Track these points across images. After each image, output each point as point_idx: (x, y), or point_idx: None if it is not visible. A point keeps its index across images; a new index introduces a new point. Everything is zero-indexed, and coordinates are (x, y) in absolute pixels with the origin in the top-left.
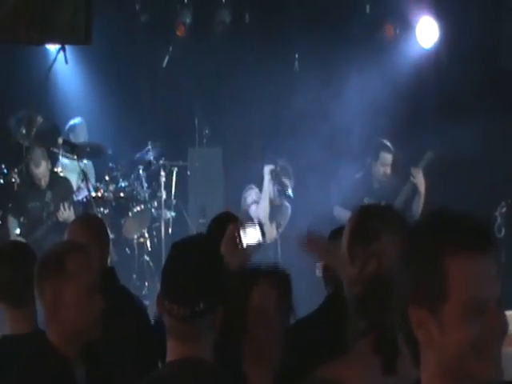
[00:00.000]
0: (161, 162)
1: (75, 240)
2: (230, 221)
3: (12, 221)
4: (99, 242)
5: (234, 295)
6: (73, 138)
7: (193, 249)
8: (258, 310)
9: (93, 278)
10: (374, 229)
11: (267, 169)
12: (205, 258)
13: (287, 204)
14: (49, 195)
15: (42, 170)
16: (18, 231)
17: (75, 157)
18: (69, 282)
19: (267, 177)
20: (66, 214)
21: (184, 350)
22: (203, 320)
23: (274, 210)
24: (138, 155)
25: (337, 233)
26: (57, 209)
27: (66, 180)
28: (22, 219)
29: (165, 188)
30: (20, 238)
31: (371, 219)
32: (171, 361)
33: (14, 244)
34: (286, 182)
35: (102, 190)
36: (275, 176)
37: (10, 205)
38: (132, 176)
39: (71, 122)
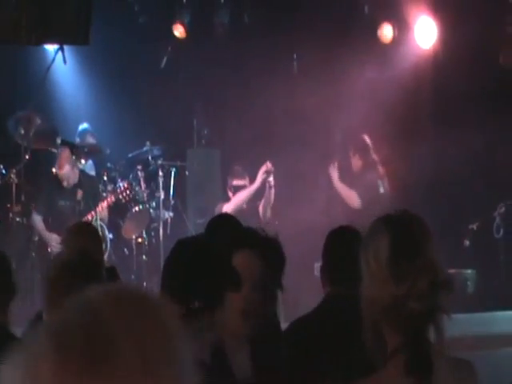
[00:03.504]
0: (159, 162)
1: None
2: (228, 222)
3: (38, 219)
4: (94, 247)
5: (220, 255)
6: (80, 143)
7: (195, 248)
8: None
9: None
10: (422, 236)
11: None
12: (205, 259)
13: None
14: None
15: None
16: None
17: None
18: None
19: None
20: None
21: None
22: (199, 319)
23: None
24: (131, 154)
25: (336, 234)
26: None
27: (93, 178)
28: (49, 218)
29: (163, 188)
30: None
31: (411, 229)
32: None
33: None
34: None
35: (100, 190)
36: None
37: (36, 203)
38: (130, 176)
39: (82, 127)
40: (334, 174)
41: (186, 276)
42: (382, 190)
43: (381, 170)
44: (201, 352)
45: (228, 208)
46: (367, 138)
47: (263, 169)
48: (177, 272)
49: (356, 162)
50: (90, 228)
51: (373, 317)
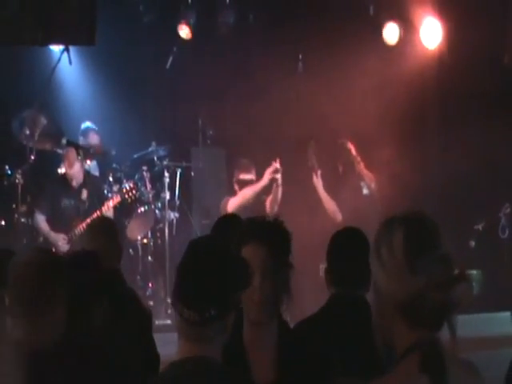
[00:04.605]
0: (164, 162)
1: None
2: (235, 223)
3: (41, 218)
4: (115, 243)
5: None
6: (84, 142)
7: (209, 253)
8: None
9: None
10: (435, 231)
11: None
12: (220, 264)
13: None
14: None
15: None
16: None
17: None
18: None
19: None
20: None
21: (193, 350)
22: (213, 325)
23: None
24: (136, 155)
25: (340, 235)
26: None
27: (97, 179)
28: (52, 218)
29: (168, 189)
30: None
31: (426, 222)
32: (178, 360)
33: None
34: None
35: (105, 191)
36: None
37: (39, 203)
38: (136, 177)
39: (85, 126)
40: (319, 184)
41: (203, 284)
42: (365, 192)
43: (364, 171)
44: (213, 354)
45: (234, 203)
46: (346, 142)
47: (270, 169)
48: (192, 278)
49: (338, 167)
50: (111, 225)
51: (388, 315)
